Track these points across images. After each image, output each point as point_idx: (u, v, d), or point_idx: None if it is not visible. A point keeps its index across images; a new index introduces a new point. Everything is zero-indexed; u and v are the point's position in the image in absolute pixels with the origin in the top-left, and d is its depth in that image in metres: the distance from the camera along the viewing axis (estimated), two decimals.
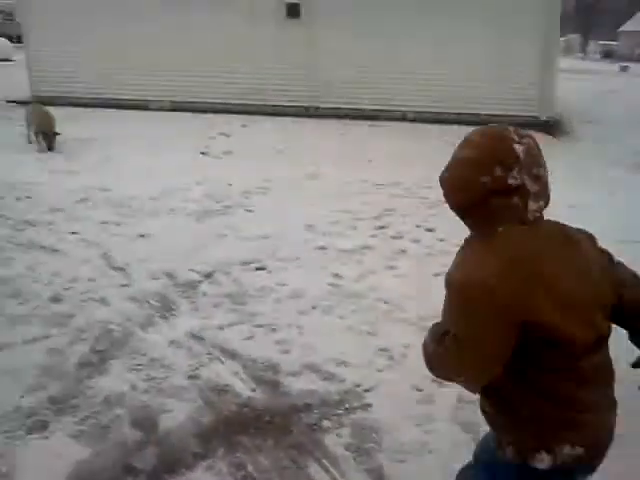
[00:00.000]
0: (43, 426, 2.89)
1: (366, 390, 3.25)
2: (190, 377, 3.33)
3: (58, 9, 13.24)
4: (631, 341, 1.69)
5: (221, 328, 3.86)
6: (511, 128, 1.52)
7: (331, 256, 5.11)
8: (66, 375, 3.30)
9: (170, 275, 4.57)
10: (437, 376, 1.69)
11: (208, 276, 4.59)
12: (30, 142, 8.72)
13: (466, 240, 1.60)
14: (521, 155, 1.46)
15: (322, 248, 5.27)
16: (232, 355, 3.56)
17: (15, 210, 5.91)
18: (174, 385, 3.25)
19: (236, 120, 11.87)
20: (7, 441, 2.77)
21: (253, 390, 3.24)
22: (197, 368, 3.42)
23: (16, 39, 39.35)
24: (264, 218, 5.98)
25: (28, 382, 3.21)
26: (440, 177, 1.59)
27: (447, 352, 1.51)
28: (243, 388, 3.25)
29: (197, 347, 3.63)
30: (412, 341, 3.42)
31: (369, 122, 11.48)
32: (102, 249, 5.02)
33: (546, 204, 1.54)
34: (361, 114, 12.24)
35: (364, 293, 4.41)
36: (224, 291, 4.37)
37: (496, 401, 1.58)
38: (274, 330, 3.88)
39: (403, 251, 5.27)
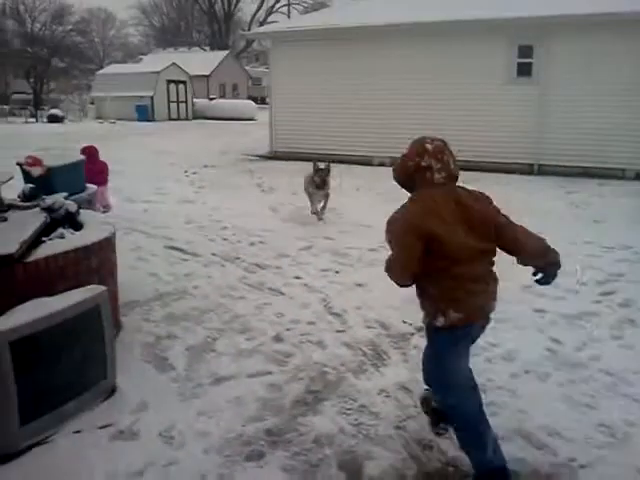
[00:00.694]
0: (259, 456, 3.13)
1: (581, 466, 3.01)
2: (397, 427, 3.37)
3: (297, 77, 14.71)
4: (518, 262, 3.01)
5: None
6: (430, 137, 2.87)
7: (549, 320, 4.84)
8: (282, 410, 3.54)
9: (383, 325, 4.70)
10: (390, 279, 2.94)
11: (420, 329, 4.61)
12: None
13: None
14: (429, 149, 2.79)
15: (539, 311, 5.02)
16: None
17: (249, 254, 6.56)
18: (381, 434, 3.32)
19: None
20: (227, 465, 3.04)
21: (460, 449, 3.18)
22: (404, 420, 3.45)
23: (260, 100, 44.24)
24: None
25: (249, 413, 3.51)
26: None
27: (387, 262, 2.91)
28: (449, 446, 3.20)
29: (405, 399, 3.67)
30: (638, 419, 3.10)
31: (597, 180, 10.79)
32: (322, 295, 5.34)
33: (449, 176, 2.81)
34: (585, 172, 11.70)
35: (585, 362, 4.10)
36: None
37: (420, 292, 2.99)
38: (484, 391, 3.76)
39: (631, 321, 4.81)
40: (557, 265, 2.87)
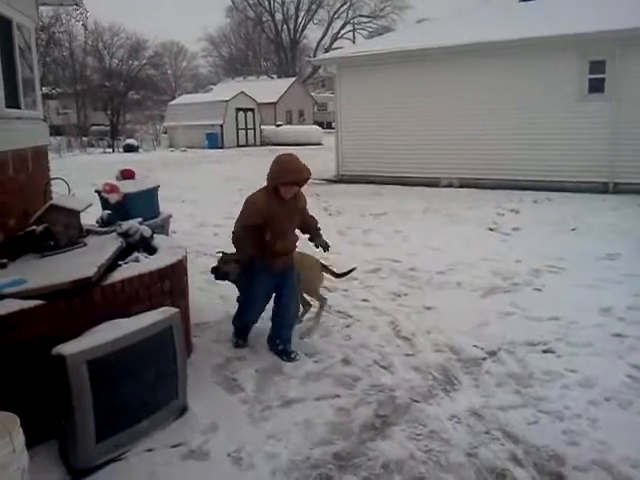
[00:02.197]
0: None
1: None
2: (468, 455, 3.27)
3: (362, 101, 14.83)
4: (310, 241, 4.84)
5: (503, 409, 3.73)
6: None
7: (629, 345, 4.61)
8: (351, 434, 3.50)
9: (453, 349, 4.60)
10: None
11: (492, 354, 4.50)
12: None
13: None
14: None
15: (618, 335, 4.79)
16: (513, 439, 3.41)
17: None
18: (451, 461, 3.22)
19: (527, 196, 11.65)
20: None
21: None
22: (476, 447, 3.34)
23: (326, 125, 44.78)
24: (554, 299, 5.68)
25: (317, 436, 3.49)
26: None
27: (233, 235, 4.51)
28: (523, 475, 3.08)
29: (477, 425, 3.56)
30: None
31: None
32: (390, 317, 5.29)
33: None
34: None
35: None
36: (508, 371, 4.23)
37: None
38: (561, 419, 3.62)
39: None
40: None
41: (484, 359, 4.43)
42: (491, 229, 9.10)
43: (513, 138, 12.89)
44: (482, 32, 13.41)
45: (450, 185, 13.35)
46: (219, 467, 3.19)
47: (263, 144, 36.96)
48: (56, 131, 33.43)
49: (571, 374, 4.16)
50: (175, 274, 4.28)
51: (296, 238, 4.65)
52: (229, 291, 5.90)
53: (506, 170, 13.04)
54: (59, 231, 4.49)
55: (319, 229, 4.84)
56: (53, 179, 5.62)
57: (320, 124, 42.51)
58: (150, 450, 3.33)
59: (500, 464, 3.18)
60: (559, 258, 7.09)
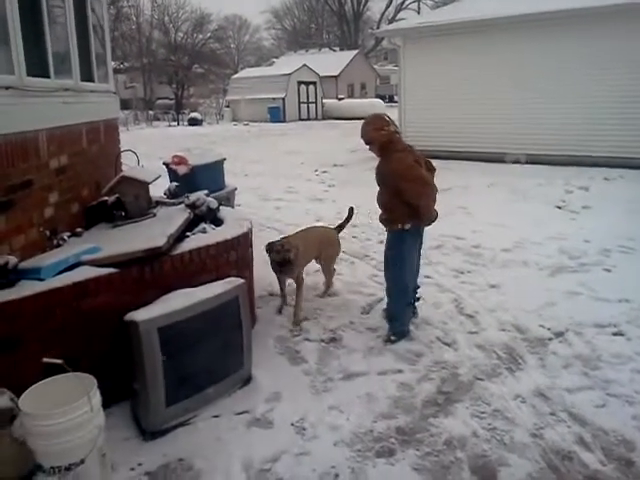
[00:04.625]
0: (390, 453, 3.13)
1: None
2: (533, 435, 3.23)
3: (426, 74, 14.47)
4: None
5: (569, 391, 3.65)
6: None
7: None
8: (413, 410, 3.51)
9: (519, 328, 4.51)
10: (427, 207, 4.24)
11: (559, 334, 4.39)
12: None
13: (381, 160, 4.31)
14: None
15: None
16: (580, 421, 3.34)
17: (379, 252, 6.44)
18: (515, 440, 3.19)
19: (598, 174, 11.19)
20: (358, 459, 3.08)
21: (602, 464, 2.98)
22: (541, 428, 3.29)
23: (388, 99, 44.09)
24: (625, 280, 5.47)
25: (380, 410, 3.52)
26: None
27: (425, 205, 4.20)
28: (591, 459, 3.02)
29: (542, 406, 3.50)
30: None
31: None
32: (454, 295, 5.23)
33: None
34: None
35: None
36: (575, 352, 4.13)
37: (389, 213, 4.32)
38: (630, 403, 3.51)
39: None
40: None
41: (550, 339, 4.33)
42: (559, 207, 8.81)
43: (590, 110, 12.32)
44: (553, 1, 12.77)
45: (517, 161, 12.94)
46: (283, 436, 3.26)
47: (325, 118, 36.79)
48: (123, 105, 34.32)
49: None
50: (241, 246, 4.35)
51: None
52: None
53: (576, 146, 12.53)
54: (130, 202, 4.63)
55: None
56: (123, 151, 5.78)
57: (382, 97, 41.85)
58: (216, 416, 3.44)
59: (566, 446, 3.13)
60: (630, 238, 6.81)
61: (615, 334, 4.40)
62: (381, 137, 4.20)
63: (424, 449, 3.14)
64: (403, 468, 2.99)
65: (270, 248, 4.69)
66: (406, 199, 4.12)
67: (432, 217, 4.27)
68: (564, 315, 4.70)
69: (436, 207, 4.29)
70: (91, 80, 5.10)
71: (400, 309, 4.41)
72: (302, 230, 5.33)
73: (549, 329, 4.48)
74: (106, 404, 2.96)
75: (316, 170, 12.62)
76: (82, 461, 2.74)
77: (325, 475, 2.95)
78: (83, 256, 3.58)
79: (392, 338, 4.35)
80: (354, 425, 3.34)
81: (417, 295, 4.68)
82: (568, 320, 4.61)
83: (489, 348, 4.22)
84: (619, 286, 5.29)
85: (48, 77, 4.10)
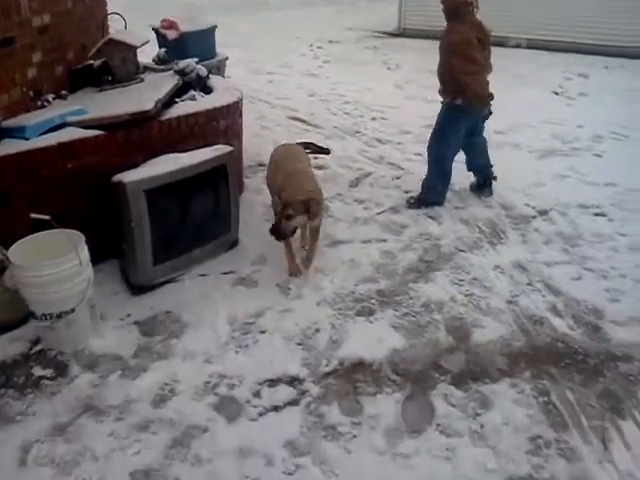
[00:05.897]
0: (370, 313, 3.27)
1: None
2: (508, 302, 3.37)
3: None
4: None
5: (548, 265, 3.76)
6: None
7: None
8: (394, 275, 3.63)
9: (504, 206, 4.57)
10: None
11: (543, 213, 4.46)
12: None
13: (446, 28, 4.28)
14: None
15: None
16: (555, 291, 3.47)
17: (370, 128, 6.47)
18: (491, 306, 3.33)
19: (598, 62, 10.87)
20: (339, 317, 3.22)
21: (571, 328, 3.14)
22: (517, 295, 3.43)
23: None
24: (614, 165, 5.46)
25: (362, 274, 3.63)
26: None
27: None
28: (561, 324, 3.17)
29: (520, 276, 3.63)
30: None
31: None
32: None
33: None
34: None
35: None
36: (557, 230, 4.21)
37: (442, 85, 4.30)
38: (605, 277, 3.64)
39: None
40: None
41: (534, 217, 4.40)
42: (556, 93, 8.62)
43: None
44: None
45: (518, 46, 12.47)
46: (267, 295, 3.39)
47: None
48: None
49: (621, 237, 4.12)
50: (230, 115, 4.27)
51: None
52: (282, 138, 5.95)
53: (578, 32, 12.06)
54: (117, 65, 4.48)
55: None
56: (110, 13, 5.53)
57: None
58: (203, 275, 3.55)
59: (539, 313, 3.28)
60: (624, 126, 6.72)
61: (598, 214, 4.47)
62: (450, 3, 4.15)
63: (403, 310, 3.28)
64: (382, 326, 3.14)
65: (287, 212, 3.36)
66: (454, 75, 4.11)
67: (479, 97, 4.16)
68: (550, 196, 4.74)
69: (434, 86, 4.33)
70: None
71: (434, 181, 4.54)
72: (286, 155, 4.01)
73: (534, 208, 4.54)
74: (95, 261, 3.04)
75: (311, 45, 12.17)
76: (72, 310, 2.85)
77: (307, 329, 3.09)
78: (68, 117, 3.52)
79: (411, 201, 4.56)
80: (337, 287, 3.46)
81: (491, 174, 4.72)
82: (554, 200, 4.66)
83: (473, 223, 4.29)
84: (608, 171, 5.29)
85: None
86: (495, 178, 4.73)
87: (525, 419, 2.55)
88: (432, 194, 4.55)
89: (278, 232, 3.38)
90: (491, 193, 4.73)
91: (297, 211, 3.33)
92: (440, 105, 4.46)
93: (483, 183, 4.73)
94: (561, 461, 2.35)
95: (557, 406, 2.61)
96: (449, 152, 4.49)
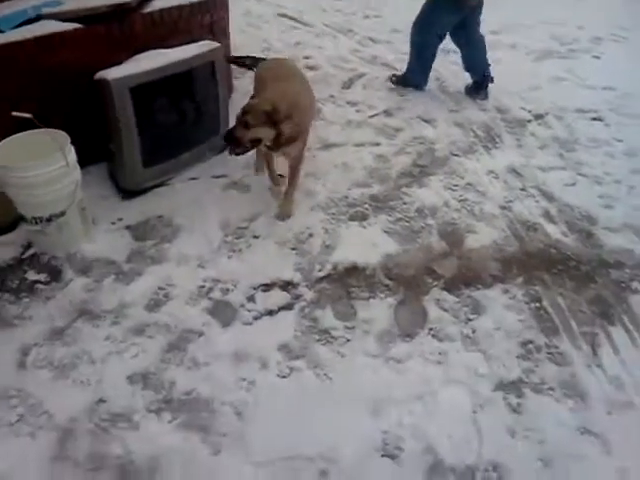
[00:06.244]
0: (363, 217, 3.24)
1: None
2: (502, 207, 3.36)
3: None
4: None
5: (542, 169, 3.73)
6: None
7: None
8: (388, 180, 3.57)
9: (500, 109, 4.46)
10: None
11: (539, 117, 4.37)
12: None
13: None
14: None
15: None
16: (549, 197, 3.46)
17: (363, 27, 6.19)
18: (485, 211, 3.32)
19: None
20: (332, 222, 3.19)
21: (564, 235, 3.15)
22: (510, 201, 3.41)
23: None
24: (613, 68, 5.32)
25: (355, 178, 3.57)
26: None
27: None
28: (554, 230, 3.18)
29: (514, 182, 3.60)
30: None
31: None
32: (437, 73, 4.98)
33: None
34: None
35: None
36: (553, 134, 4.15)
37: None
38: (599, 183, 3.62)
39: None
40: None
41: (530, 121, 4.32)
42: None
43: None
44: None
45: None
46: (260, 199, 3.33)
47: None
48: None
49: (617, 143, 4.08)
50: (216, 8, 4.03)
51: None
52: (270, 36, 5.68)
53: None
54: None
55: None
56: None
57: None
58: (194, 179, 3.47)
59: (532, 218, 3.27)
60: (624, 28, 6.50)
61: (595, 119, 4.40)
62: None
63: (396, 215, 3.25)
64: (375, 231, 3.12)
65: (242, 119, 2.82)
66: None
67: None
68: (547, 99, 4.64)
69: None
70: None
71: (414, 66, 4.66)
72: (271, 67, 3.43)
73: (530, 111, 4.44)
74: (82, 164, 2.93)
75: None
76: (62, 213, 2.79)
77: (300, 234, 3.07)
78: (43, 9, 3.29)
79: (393, 79, 4.78)
80: (330, 191, 3.41)
81: (488, 74, 4.61)
82: (550, 104, 4.56)
83: (467, 127, 4.20)
84: (606, 74, 5.17)
85: None
86: (492, 79, 4.58)
87: (517, 324, 2.59)
88: (412, 77, 4.70)
89: (230, 138, 2.83)
90: (487, 96, 4.60)
91: (257, 120, 2.74)
92: None
93: (480, 84, 4.58)
94: (551, 365, 2.41)
95: (548, 311, 2.66)
96: (431, 41, 4.49)
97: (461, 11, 4.20)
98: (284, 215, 3.18)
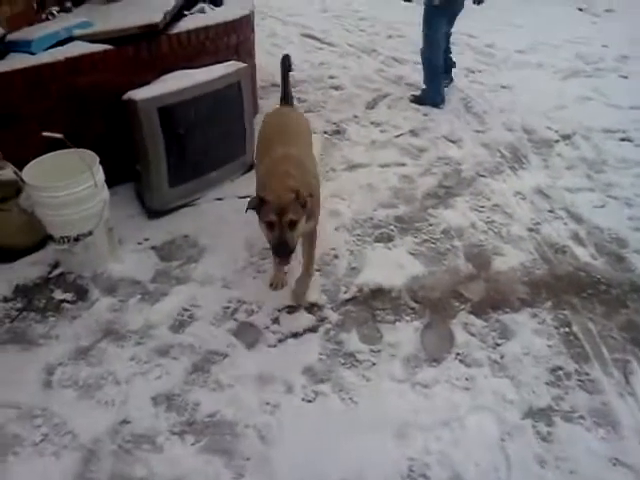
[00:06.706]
0: (388, 239, 3.22)
1: None
2: (529, 229, 3.31)
3: None
4: None
5: (570, 191, 3.67)
6: None
7: None
8: (413, 201, 3.55)
9: (526, 130, 4.42)
10: None
11: (566, 137, 4.32)
12: None
13: None
14: None
15: None
16: (577, 219, 3.40)
17: (386, 47, 6.20)
18: (512, 233, 3.27)
19: None
20: (358, 243, 3.18)
21: (594, 257, 3.08)
22: (538, 223, 3.36)
23: None
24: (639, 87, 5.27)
25: (380, 199, 3.56)
26: None
27: None
28: (583, 253, 3.12)
29: (541, 203, 3.55)
30: None
31: None
32: (462, 94, 5.03)
33: None
34: None
35: None
36: (580, 155, 4.09)
37: None
38: (629, 205, 3.55)
39: None
40: None
41: (557, 142, 4.27)
42: (580, 9, 8.22)
43: None
44: None
45: None
46: None
47: None
48: None
49: None
50: (242, 29, 4.07)
51: None
52: (295, 56, 5.70)
53: None
54: None
55: None
56: None
57: None
58: (220, 199, 3.49)
59: (561, 241, 3.22)
60: None
61: (623, 139, 4.33)
62: None
63: (422, 237, 3.22)
64: (400, 252, 3.10)
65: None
66: None
67: None
68: (573, 119, 4.59)
69: None
70: None
71: (427, 82, 4.77)
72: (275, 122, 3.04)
73: (557, 131, 4.40)
74: (110, 184, 2.96)
75: None
76: (90, 233, 2.81)
77: (325, 256, 3.06)
78: (75, 30, 3.35)
79: (411, 98, 4.87)
80: (355, 212, 3.40)
81: (449, 60, 4.98)
82: (577, 124, 4.50)
83: (494, 147, 4.17)
84: (633, 93, 5.10)
85: None
86: (454, 64, 5.04)
87: (546, 350, 2.54)
88: (428, 96, 4.77)
89: (287, 249, 2.36)
90: (452, 80, 5.07)
91: (298, 215, 2.35)
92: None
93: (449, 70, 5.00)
94: (581, 393, 2.35)
95: (578, 337, 2.60)
96: (436, 52, 4.65)
97: (454, 10, 4.59)
98: (299, 301, 2.78)
